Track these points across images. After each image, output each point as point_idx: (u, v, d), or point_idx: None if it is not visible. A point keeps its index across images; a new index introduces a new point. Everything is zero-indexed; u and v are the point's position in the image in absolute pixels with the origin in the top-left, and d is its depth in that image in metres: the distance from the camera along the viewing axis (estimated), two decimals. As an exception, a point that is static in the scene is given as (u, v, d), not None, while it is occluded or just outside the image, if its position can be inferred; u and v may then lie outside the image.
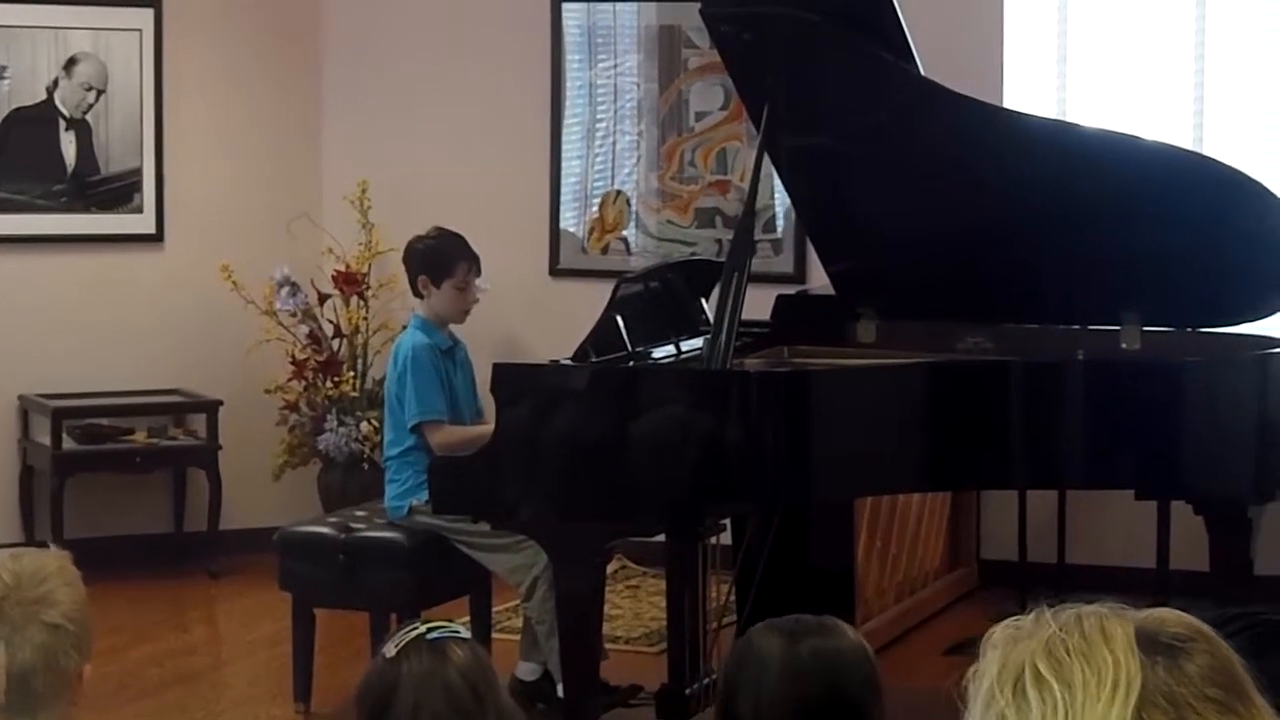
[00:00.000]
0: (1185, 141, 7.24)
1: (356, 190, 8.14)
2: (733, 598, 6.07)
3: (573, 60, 8.19)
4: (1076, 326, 5.64)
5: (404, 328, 6.72)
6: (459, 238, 6.19)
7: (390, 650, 2.63)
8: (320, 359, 8.05)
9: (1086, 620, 1.65)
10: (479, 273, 6.16)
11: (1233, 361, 5.36)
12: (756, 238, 7.00)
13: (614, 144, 8.20)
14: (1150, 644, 1.63)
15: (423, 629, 2.65)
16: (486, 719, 2.61)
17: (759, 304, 5.85)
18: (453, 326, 6.20)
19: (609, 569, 6.14)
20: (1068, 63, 7.64)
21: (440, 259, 6.11)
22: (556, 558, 5.23)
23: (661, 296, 5.83)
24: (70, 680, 2.65)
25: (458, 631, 2.68)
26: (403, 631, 2.66)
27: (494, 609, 6.32)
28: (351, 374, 8.02)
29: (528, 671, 5.98)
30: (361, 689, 2.65)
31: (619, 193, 8.19)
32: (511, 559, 5.79)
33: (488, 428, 5.55)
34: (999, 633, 1.68)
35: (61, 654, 2.62)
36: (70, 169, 7.99)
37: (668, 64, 8.07)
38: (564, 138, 8.21)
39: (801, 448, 5.04)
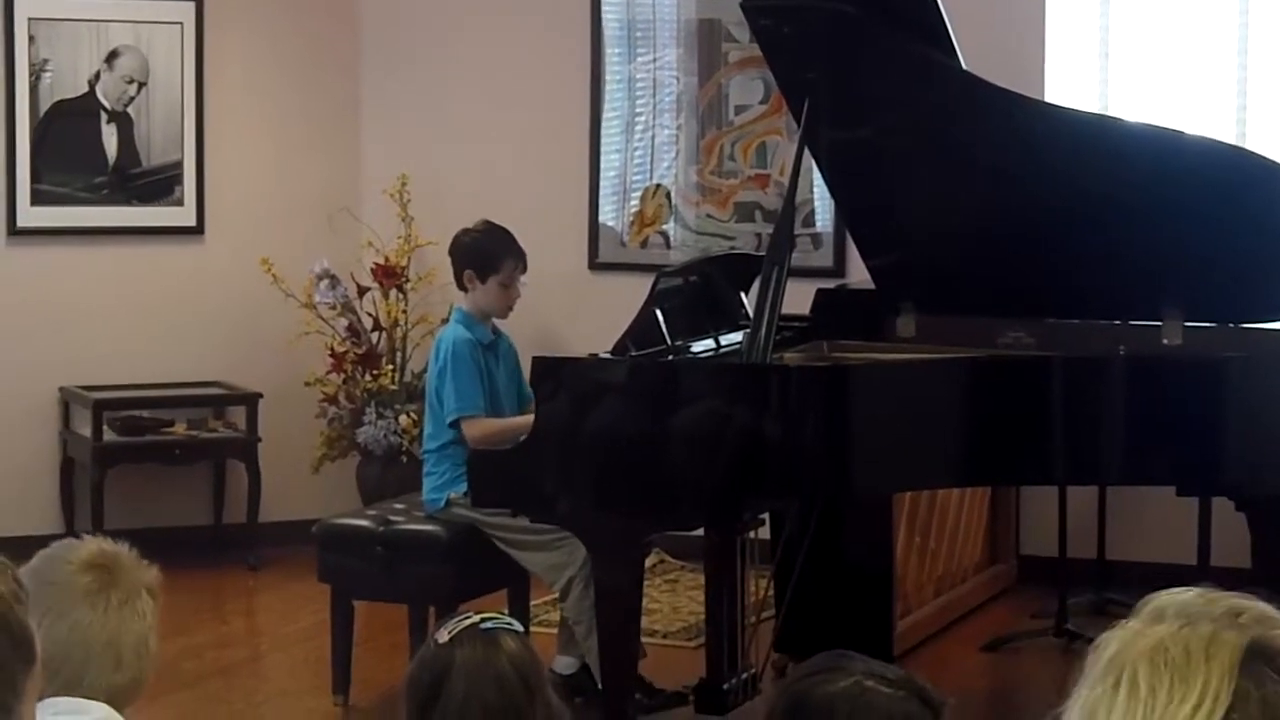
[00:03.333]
0: (1228, 136, 7.20)
1: (396, 184, 8.15)
2: (771, 592, 6.06)
3: (612, 54, 8.19)
4: (1118, 322, 5.62)
5: (444, 321, 6.73)
6: (506, 234, 6.17)
7: (443, 636, 2.63)
8: (359, 352, 8.06)
9: (1199, 629, 1.68)
10: (524, 269, 6.14)
11: (1275, 357, 5.33)
12: (796, 232, 6.99)
13: (653, 138, 8.19)
14: (1259, 661, 1.65)
15: (476, 618, 2.66)
16: (535, 711, 2.62)
17: (798, 298, 5.85)
18: (495, 320, 6.19)
19: (647, 563, 6.14)
20: (1110, 57, 7.61)
21: (487, 255, 6.09)
22: (595, 551, 5.23)
23: (701, 291, 5.82)
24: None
25: (511, 624, 2.69)
26: (456, 619, 2.66)
27: (532, 603, 6.31)
28: (390, 367, 8.03)
29: (565, 665, 5.98)
30: (412, 674, 2.65)
31: (658, 187, 8.18)
32: (547, 557, 5.78)
33: (524, 419, 5.55)
34: (1143, 612, 1.73)
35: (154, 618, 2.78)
36: (111, 162, 8.02)
37: (707, 58, 8.06)
38: (603, 131, 8.20)
39: (841, 442, 5.03)
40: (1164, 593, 1.73)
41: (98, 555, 2.77)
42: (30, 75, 7.85)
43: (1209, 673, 1.64)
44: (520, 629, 2.70)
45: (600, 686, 5.45)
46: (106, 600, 2.72)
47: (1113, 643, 1.71)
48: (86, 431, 7.74)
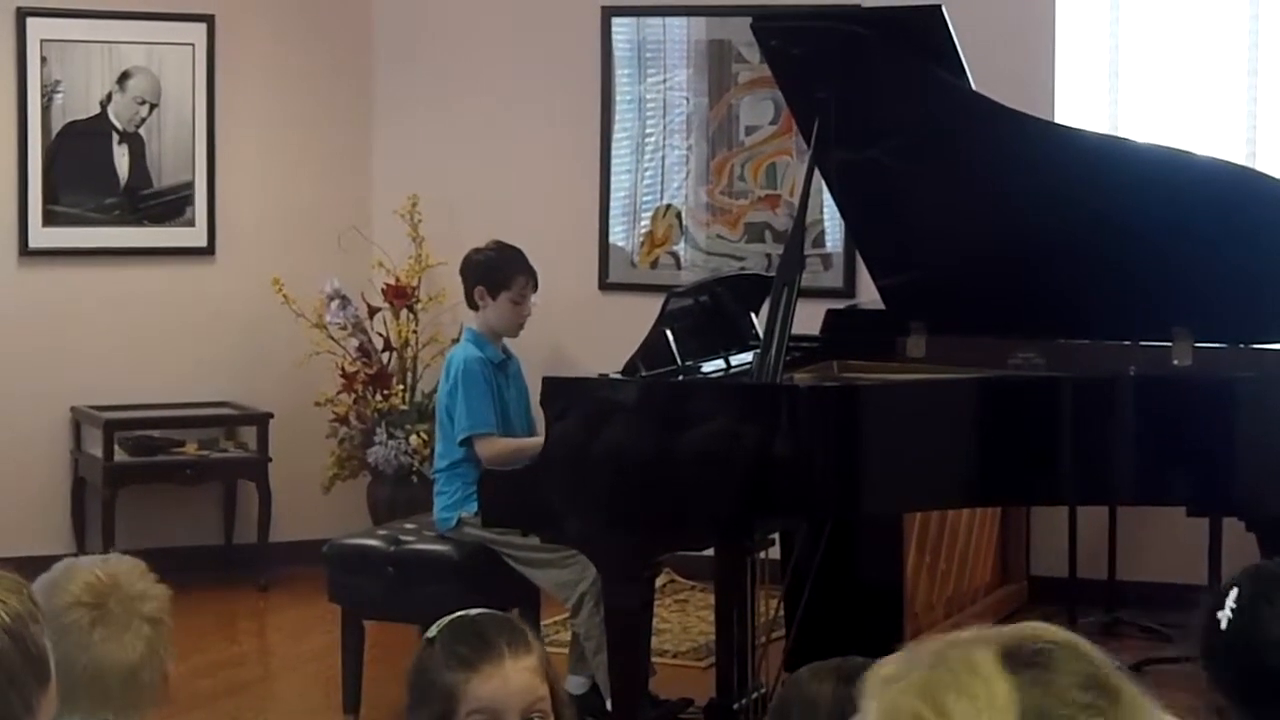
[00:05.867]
0: (1238, 157, 7.21)
1: (406, 204, 8.17)
2: (781, 612, 6.06)
3: (622, 74, 8.20)
4: (1128, 342, 5.62)
5: (454, 341, 6.74)
6: (518, 251, 6.20)
7: (435, 633, 2.62)
8: (370, 372, 8.07)
9: (952, 653, 1.70)
10: (536, 287, 6.17)
11: (1285, 378, 5.33)
12: (806, 252, 7.00)
13: (663, 158, 8.20)
14: (1017, 662, 1.69)
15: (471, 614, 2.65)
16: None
17: (809, 319, 5.85)
18: (506, 340, 6.21)
19: (657, 583, 6.14)
20: (1119, 78, 7.62)
21: (498, 271, 6.12)
22: (605, 571, 5.23)
23: (711, 311, 5.83)
24: (165, 674, 2.72)
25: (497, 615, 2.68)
26: (448, 619, 2.64)
27: (543, 623, 6.32)
28: (401, 387, 8.04)
29: (576, 685, 5.98)
30: (411, 677, 2.64)
31: (669, 207, 8.19)
32: (558, 574, 5.79)
33: (537, 440, 5.56)
34: (871, 679, 1.73)
35: (161, 647, 2.69)
36: (123, 182, 8.04)
37: (717, 78, 8.08)
38: (613, 152, 8.21)
39: (851, 462, 5.03)
40: (871, 670, 1.73)
41: (93, 586, 2.67)
42: (42, 96, 7.87)
43: (985, 680, 1.66)
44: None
45: (609, 706, 5.45)
46: (90, 636, 2.65)
47: (869, 715, 1.69)
48: (98, 451, 7.75)
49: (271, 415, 7.97)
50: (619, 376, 5.28)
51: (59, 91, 7.91)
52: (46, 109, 7.89)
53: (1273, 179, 5.44)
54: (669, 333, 5.41)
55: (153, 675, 2.70)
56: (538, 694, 2.57)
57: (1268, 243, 5.30)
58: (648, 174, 8.21)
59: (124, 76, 8.00)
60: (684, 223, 8.15)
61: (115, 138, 8.01)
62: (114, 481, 7.71)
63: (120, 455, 7.76)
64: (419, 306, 8.15)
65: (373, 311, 8.14)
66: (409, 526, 6.18)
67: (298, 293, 7.95)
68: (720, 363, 5.62)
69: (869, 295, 6.55)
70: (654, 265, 8.19)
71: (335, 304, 8.00)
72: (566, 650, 6.14)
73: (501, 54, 8.32)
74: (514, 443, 5.93)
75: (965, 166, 5.52)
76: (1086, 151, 5.50)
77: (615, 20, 8.17)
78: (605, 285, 8.23)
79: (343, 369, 8.09)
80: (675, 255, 8.17)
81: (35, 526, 7.81)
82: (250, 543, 7.97)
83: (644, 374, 5.28)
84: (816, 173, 5.49)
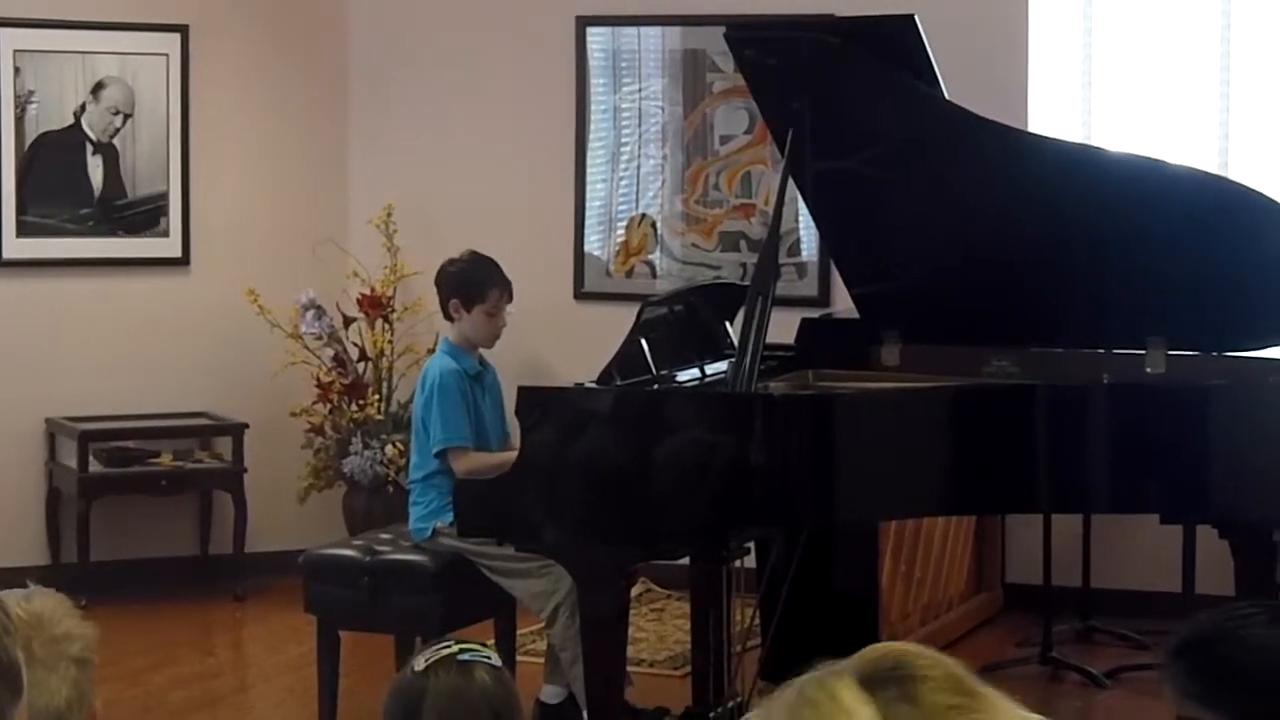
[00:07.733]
0: (1210, 165, 7.23)
1: (381, 214, 8.16)
2: (757, 621, 6.07)
3: (597, 84, 8.21)
4: (1102, 350, 5.64)
5: (429, 351, 6.74)
6: (492, 263, 6.18)
7: (419, 664, 2.64)
8: (345, 382, 8.06)
9: (812, 689, 1.75)
10: (511, 298, 6.16)
11: (1258, 385, 5.36)
12: (781, 261, 7.01)
13: (638, 168, 8.21)
14: (875, 683, 1.75)
15: (455, 648, 2.66)
16: None
17: (783, 327, 5.86)
18: (482, 350, 6.20)
19: (633, 592, 6.15)
20: (1092, 87, 7.64)
21: (473, 283, 6.11)
22: (580, 580, 5.23)
23: (686, 320, 5.84)
24: (93, 713, 2.65)
25: (489, 657, 2.68)
26: (434, 648, 2.66)
27: (519, 632, 6.31)
28: (376, 397, 8.03)
29: (552, 694, 5.98)
30: (386, 702, 2.65)
31: (644, 216, 8.20)
32: (533, 585, 5.78)
33: (510, 454, 5.56)
34: None
35: (88, 687, 2.62)
36: (97, 193, 8.03)
37: (692, 88, 8.09)
38: (588, 161, 8.22)
39: (826, 471, 5.04)
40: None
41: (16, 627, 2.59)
42: (16, 107, 7.86)
43: (848, 707, 1.73)
44: (498, 663, 2.68)
45: (586, 716, 5.45)
46: None
47: None
48: (72, 462, 7.74)
49: (247, 426, 7.95)
50: (594, 386, 5.29)
51: (33, 102, 7.90)
52: (20, 120, 7.88)
53: (1246, 187, 5.46)
54: (644, 342, 5.42)
55: (80, 717, 2.61)
56: None
57: (1241, 251, 5.32)
58: (623, 183, 8.22)
59: (98, 87, 7.98)
60: (659, 232, 8.16)
61: (89, 148, 8.00)
62: (89, 492, 7.69)
63: (95, 466, 7.74)
64: (394, 316, 8.14)
65: (348, 321, 8.14)
66: (384, 537, 6.17)
67: (273, 303, 7.94)
68: (695, 372, 5.63)
69: (844, 304, 6.56)
70: (629, 274, 8.19)
71: (310, 314, 7.99)
72: (542, 660, 6.14)
73: (477, 63, 8.32)
74: (487, 457, 5.92)
75: (939, 175, 5.54)
76: (1060, 160, 5.52)
77: (590, 30, 8.17)
78: (580, 294, 8.24)
79: (318, 379, 8.08)
80: (650, 264, 8.18)
81: (9, 538, 7.79)
82: (226, 553, 7.95)
83: (619, 383, 5.29)
84: (791, 182, 5.50)
